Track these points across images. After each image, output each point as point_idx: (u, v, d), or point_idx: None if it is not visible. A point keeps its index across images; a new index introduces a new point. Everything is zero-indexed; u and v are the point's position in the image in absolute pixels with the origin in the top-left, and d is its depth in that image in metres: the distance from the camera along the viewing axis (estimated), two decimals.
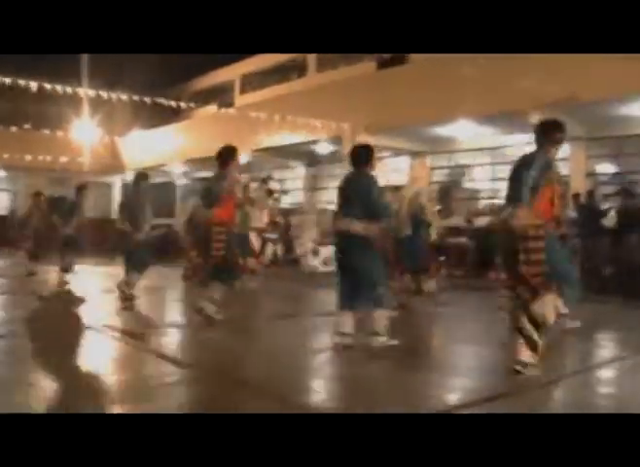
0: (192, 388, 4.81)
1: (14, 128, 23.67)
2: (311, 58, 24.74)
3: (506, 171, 18.39)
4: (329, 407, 4.33)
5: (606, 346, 7.40)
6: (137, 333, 7.12)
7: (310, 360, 6.13)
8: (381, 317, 6.21)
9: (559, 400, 4.87)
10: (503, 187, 18.07)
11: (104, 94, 13.49)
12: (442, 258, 13.94)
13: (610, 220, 12.71)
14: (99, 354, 6.03)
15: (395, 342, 6.25)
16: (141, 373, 5.31)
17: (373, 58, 10.77)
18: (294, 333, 7.61)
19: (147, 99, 14.66)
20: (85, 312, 8.88)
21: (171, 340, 7.18)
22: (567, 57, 13.00)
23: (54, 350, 6.14)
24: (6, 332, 7.04)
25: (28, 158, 22.91)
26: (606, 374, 5.73)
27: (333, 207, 13.23)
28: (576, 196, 13.54)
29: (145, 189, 10.11)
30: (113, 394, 4.54)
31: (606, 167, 16.68)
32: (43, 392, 4.48)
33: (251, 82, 29.35)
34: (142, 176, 10.27)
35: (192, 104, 17.92)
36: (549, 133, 5.69)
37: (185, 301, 10.62)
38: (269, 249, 18.08)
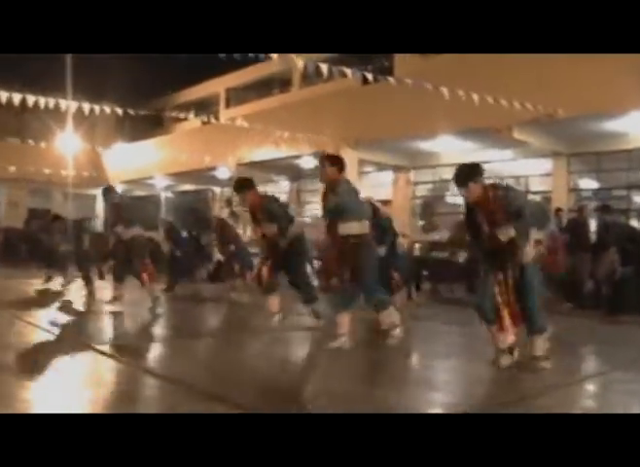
0: (167, 402, 4.74)
1: None
2: (296, 73, 24.84)
3: None
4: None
5: (589, 360, 7.43)
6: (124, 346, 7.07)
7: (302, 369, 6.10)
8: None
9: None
10: None
11: (87, 106, 13.42)
12: (425, 273, 13.96)
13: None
14: (81, 368, 5.98)
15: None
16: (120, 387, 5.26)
17: (358, 74, 10.81)
18: (279, 346, 7.57)
19: (130, 111, 14.62)
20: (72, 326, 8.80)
21: (157, 353, 7.13)
22: (546, 75, 13.18)
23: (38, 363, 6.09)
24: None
25: (12, 169, 22.83)
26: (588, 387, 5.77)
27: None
28: (558, 210, 13.63)
29: None
30: (89, 408, 4.49)
31: (588, 183, 16.83)
32: (21, 404, 4.45)
33: (236, 95, 29.42)
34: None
35: (177, 115, 17.85)
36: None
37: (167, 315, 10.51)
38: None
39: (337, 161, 7.04)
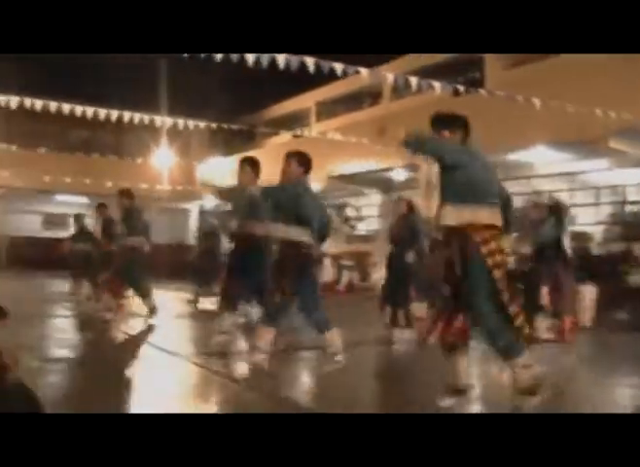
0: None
1: (95, 155, 24.40)
2: (386, 86, 24.82)
3: (584, 197, 17.91)
4: None
5: None
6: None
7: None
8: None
9: None
10: (581, 212, 17.83)
11: (182, 122, 13.74)
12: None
13: None
14: (174, 379, 6.08)
15: None
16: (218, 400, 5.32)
17: (448, 87, 10.73)
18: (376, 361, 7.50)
19: (224, 126, 14.89)
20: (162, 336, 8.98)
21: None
22: None
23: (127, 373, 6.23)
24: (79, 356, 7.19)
25: (109, 184, 23.52)
26: None
27: None
28: None
29: None
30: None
31: None
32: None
33: (326, 109, 29.56)
34: None
35: (269, 130, 18.09)
36: None
37: None
38: (345, 276, 18.11)
39: (304, 161, 6.38)
